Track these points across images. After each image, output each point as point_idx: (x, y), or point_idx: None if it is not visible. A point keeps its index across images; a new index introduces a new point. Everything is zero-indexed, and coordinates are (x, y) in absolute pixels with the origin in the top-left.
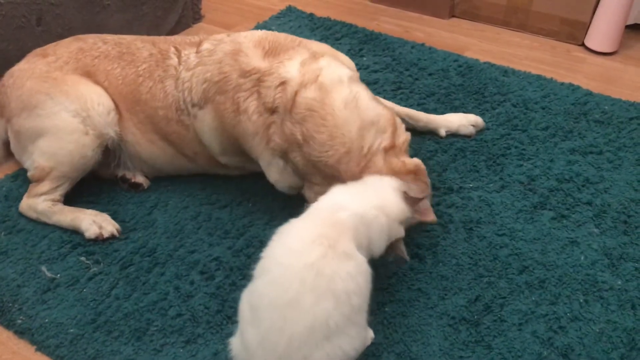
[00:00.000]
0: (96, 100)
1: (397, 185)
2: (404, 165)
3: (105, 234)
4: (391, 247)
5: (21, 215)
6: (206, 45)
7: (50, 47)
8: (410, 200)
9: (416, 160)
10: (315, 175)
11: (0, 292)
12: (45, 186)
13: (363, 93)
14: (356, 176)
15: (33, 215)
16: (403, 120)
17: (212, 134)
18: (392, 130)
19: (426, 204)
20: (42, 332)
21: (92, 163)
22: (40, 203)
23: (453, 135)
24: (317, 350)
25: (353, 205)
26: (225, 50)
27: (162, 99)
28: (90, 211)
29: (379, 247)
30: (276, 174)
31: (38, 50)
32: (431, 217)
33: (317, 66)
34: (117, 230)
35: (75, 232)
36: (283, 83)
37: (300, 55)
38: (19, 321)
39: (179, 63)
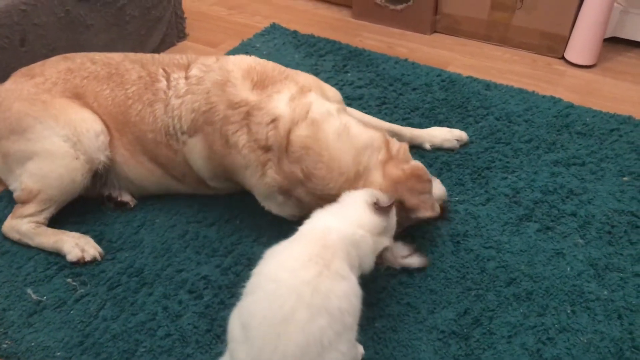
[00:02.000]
0: (85, 126)
1: (368, 198)
2: (403, 172)
3: (87, 257)
4: (379, 258)
5: (4, 237)
6: (195, 72)
7: (37, 67)
8: (381, 210)
9: (414, 163)
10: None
11: None
12: (30, 208)
13: (352, 121)
14: None
15: (15, 236)
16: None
17: (202, 161)
18: (385, 146)
19: (427, 199)
20: (29, 356)
21: (81, 188)
22: (24, 224)
23: (437, 149)
24: None
25: (340, 228)
26: (213, 79)
27: (152, 122)
28: (73, 234)
29: (369, 264)
30: (275, 207)
31: (24, 70)
32: (427, 212)
33: (306, 101)
34: (100, 253)
35: (59, 254)
36: (274, 120)
37: (289, 89)
38: (5, 345)
39: (168, 87)
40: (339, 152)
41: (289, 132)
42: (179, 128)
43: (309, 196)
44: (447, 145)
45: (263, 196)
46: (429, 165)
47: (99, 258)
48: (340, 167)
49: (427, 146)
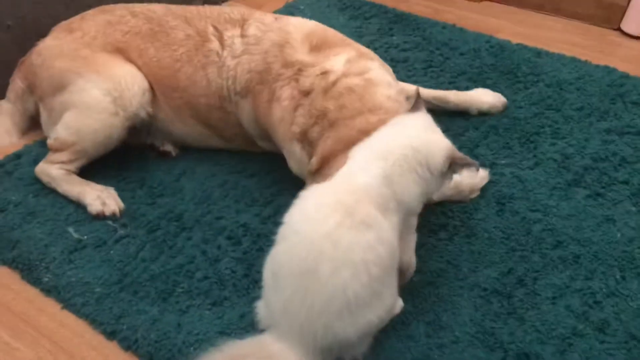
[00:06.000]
0: (131, 81)
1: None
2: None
3: (107, 212)
4: (452, 168)
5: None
6: (253, 31)
7: (75, 21)
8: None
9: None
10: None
11: (27, 250)
12: (63, 156)
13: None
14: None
15: (45, 179)
16: (431, 103)
17: (250, 122)
18: None
19: None
20: (69, 291)
21: (116, 143)
22: (55, 169)
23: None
24: (337, 320)
25: (370, 168)
26: (273, 39)
27: (205, 87)
28: (98, 186)
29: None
30: (294, 162)
31: (64, 25)
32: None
33: (365, 65)
34: (120, 208)
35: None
36: (325, 72)
37: (347, 53)
38: (46, 279)
39: (222, 47)
40: (379, 100)
41: (336, 80)
42: (232, 89)
43: (319, 132)
44: (493, 111)
45: (287, 151)
46: (475, 129)
47: (117, 214)
48: (371, 107)
49: (474, 112)
